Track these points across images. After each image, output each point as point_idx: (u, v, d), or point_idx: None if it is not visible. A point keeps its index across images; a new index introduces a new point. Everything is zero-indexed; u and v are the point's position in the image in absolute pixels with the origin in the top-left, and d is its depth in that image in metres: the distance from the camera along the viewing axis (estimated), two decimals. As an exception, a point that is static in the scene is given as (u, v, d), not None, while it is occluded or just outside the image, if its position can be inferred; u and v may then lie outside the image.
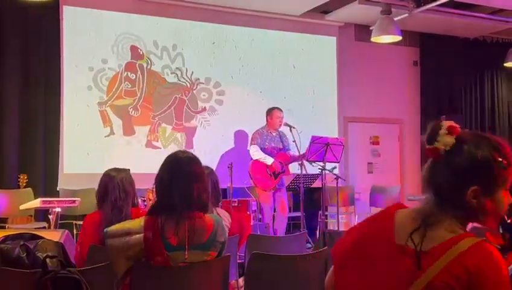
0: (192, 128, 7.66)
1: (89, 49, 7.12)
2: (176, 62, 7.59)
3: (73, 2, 7.07)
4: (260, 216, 6.84)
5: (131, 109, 7.35)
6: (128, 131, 7.31)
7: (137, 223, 2.42)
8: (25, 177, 6.51)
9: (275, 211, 6.79)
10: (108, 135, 7.19)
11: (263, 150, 6.77)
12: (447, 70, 9.29)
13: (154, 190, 2.57)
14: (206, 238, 2.46)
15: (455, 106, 9.31)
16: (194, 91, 7.69)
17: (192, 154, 2.60)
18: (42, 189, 6.65)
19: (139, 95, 7.39)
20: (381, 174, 8.91)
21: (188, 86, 7.66)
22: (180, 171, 2.48)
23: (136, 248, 2.35)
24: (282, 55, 8.21)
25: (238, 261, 3.87)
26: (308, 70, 8.34)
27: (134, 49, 7.39)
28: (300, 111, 8.04)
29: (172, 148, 7.17)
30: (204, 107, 7.74)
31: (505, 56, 8.67)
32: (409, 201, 7.53)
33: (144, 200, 5.06)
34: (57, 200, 5.47)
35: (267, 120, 6.96)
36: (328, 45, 8.53)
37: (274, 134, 6.92)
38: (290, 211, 7.55)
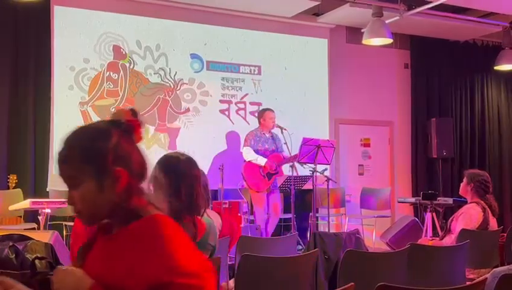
0: (175, 129, 7.61)
1: (73, 48, 7.05)
2: (159, 62, 7.53)
3: (63, 1, 7.03)
4: (252, 218, 6.83)
5: (114, 109, 7.29)
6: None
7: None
8: (15, 178, 6.47)
9: (267, 214, 6.79)
10: (89, 135, 7.11)
11: (256, 151, 6.78)
12: (438, 73, 9.33)
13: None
14: (198, 240, 2.45)
15: (445, 109, 9.35)
16: (178, 92, 7.65)
17: (189, 156, 2.52)
18: (32, 190, 6.60)
19: (121, 95, 7.32)
20: (372, 176, 8.93)
21: (172, 86, 7.62)
22: (184, 174, 2.40)
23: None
24: (274, 56, 8.21)
25: (229, 262, 3.87)
26: (300, 72, 8.34)
27: (116, 48, 7.34)
28: (291, 113, 8.04)
29: (155, 149, 7.15)
30: (188, 108, 7.71)
31: (495, 59, 8.71)
32: (399, 203, 7.56)
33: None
34: (46, 201, 5.46)
35: (259, 122, 6.98)
36: (319, 46, 8.53)
37: (267, 135, 6.93)
38: (281, 212, 7.55)
